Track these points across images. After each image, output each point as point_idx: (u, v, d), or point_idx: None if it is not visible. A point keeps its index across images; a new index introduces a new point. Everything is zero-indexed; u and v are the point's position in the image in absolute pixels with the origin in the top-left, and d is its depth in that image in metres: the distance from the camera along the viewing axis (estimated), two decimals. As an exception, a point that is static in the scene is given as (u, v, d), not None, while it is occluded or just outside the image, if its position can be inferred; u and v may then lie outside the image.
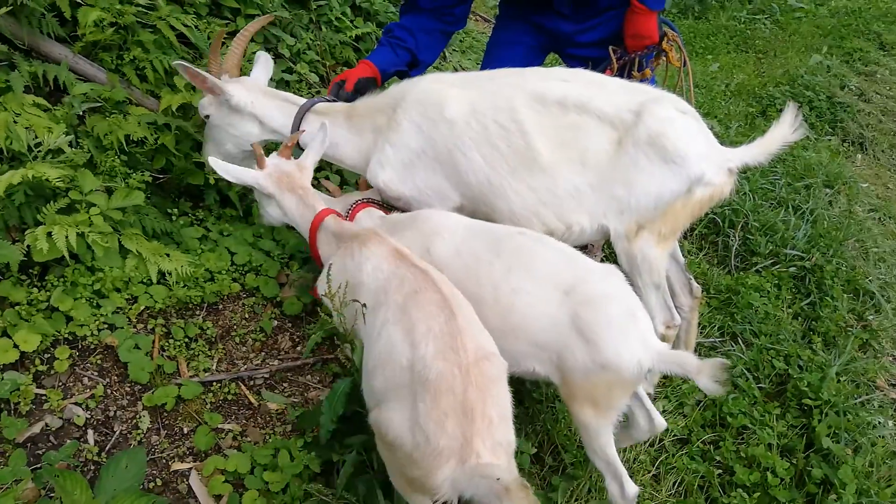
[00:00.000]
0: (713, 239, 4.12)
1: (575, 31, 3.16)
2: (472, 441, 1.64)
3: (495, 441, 1.69)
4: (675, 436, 2.80)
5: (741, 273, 3.76)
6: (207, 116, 2.76)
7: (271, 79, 3.32)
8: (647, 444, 2.74)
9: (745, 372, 3.06)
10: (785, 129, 2.43)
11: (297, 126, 2.70)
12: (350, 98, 2.87)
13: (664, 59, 3.05)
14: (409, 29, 3.10)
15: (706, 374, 1.93)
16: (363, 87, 2.93)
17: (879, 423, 2.95)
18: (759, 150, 2.45)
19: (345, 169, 3.14)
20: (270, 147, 2.84)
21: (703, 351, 3.24)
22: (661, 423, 2.37)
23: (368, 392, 1.95)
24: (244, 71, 2.88)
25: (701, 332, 3.33)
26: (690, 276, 2.91)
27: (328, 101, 2.81)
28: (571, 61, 3.26)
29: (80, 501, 1.70)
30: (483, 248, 2.25)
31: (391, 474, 1.93)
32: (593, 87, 2.51)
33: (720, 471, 2.66)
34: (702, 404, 2.94)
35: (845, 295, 3.63)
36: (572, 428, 2.68)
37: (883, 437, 2.85)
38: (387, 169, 2.63)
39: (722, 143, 2.53)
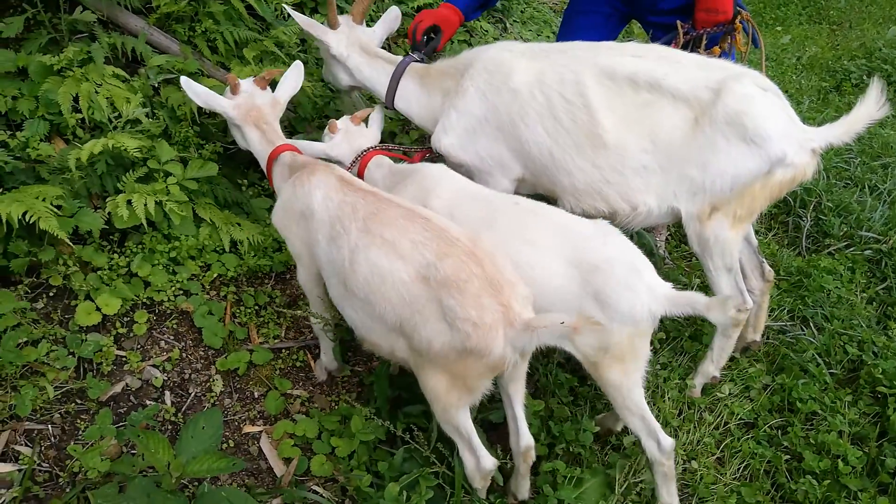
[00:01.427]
0: (783, 219, 3.98)
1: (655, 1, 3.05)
2: (510, 305, 1.80)
3: (523, 298, 1.85)
4: (740, 419, 2.75)
5: (813, 255, 3.63)
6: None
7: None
8: (712, 426, 2.70)
9: (816, 357, 2.97)
10: (871, 107, 2.31)
11: (394, 86, 2.73)
12: (418, 46, 2.90)
13: (731, 40, 2.92)
14: None
15: (715, 310, 2.00)
16: (431, 33, 2.96)
17: (958, 413, 2.83)
18: (843, 130, 2.34)
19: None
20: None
21: (770, 335, 3.16)
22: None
23: (364, 320, 2.03)
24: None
25: (769, 315, 3.25)
26: (763, 259, 2.83)
27: (418, 60, 2.81)
28: (654, 30, 3.16)
29: (162, 460, 1.77)
30: (476, 215, 2.22)
31: (440, 410, 1.96)
32: (668, 63, 2.42)
33: (788, 456, 2.60)
34: (769, 388, 2.88)
35: (924, 280, 3.47)
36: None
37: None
38: (450, 134, 2.63)
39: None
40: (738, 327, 2.67)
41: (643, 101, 2.38)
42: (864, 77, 5.80)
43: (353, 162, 2.54)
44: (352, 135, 2.58)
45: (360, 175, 2.50)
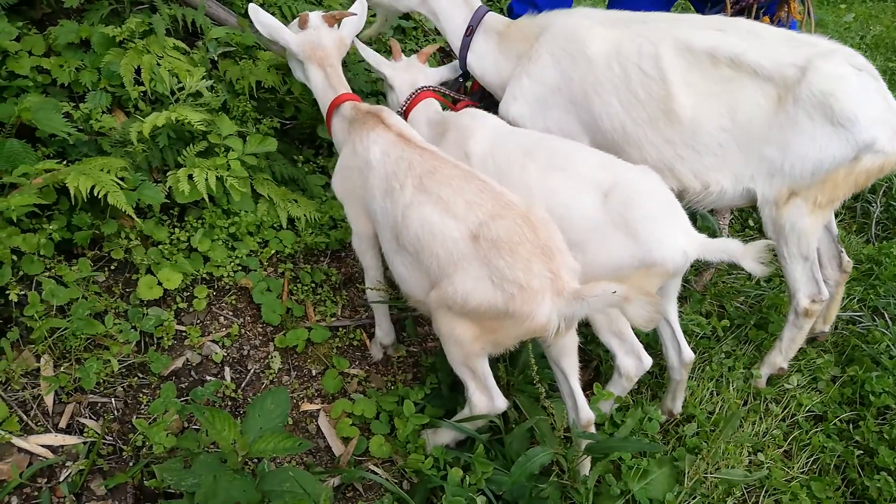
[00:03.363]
0: (850, 204, 3.81)
1: None
2: (559, 273, 1.80)
3: (571, 268, 1.86)
4: (809, 412, 2.64)
5: (883, 242, 3.47)
6: None
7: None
8: (780, 418, 2.61)
9: (891, 348, 2.84)
10: None
11: (472, 28, 2.65)
12: None
13: (786, 10, 2.77)
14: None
15: (751, 258, 1.99)
16: None
17: None
18: None
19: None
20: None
21: (840, 325, 3.03)
22: (689, 355, 2.36)
23: (412, 276, 2.05)
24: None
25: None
26: (842, 248, 2.69)
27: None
28: (701, 5, 3.03)
29: (227, 438, 1.75)
30: (518, 151, 2.25)
31: (460, 355, 1.97)
32: (751, 38, 2.30)
33: (860, 451, 2.50)
34: (839, 381, 2.76)
35: None
36: (703, 401, 2.57)
37: None
38: (520, 102, 2.57)
39: None
40: (812, 318, 2.55)
41: (723, 76, 2.27)
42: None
43: (407, 98, 2.57)
44: (413, 68, 2.64)
45: (408, 112, 2.54)
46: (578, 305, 1.77)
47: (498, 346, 1.93)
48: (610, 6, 3.34)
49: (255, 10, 2.35)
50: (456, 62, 2.76)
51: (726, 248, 2.03)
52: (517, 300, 1.78)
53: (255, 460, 2.08)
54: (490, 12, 2.69)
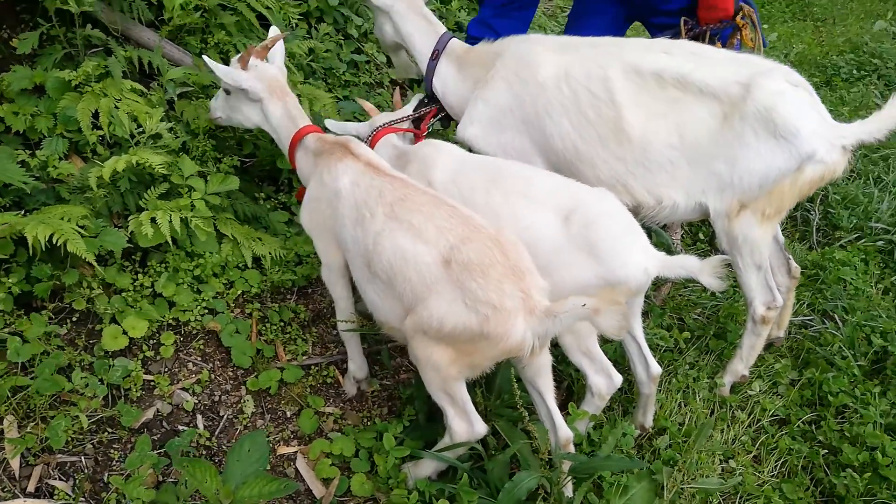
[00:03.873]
0: (792, 213, 3.99)
1: (660, 0, 3.05)
2: (530, 293, 1.84)
3: (541, 288, 1.89)
4: (773, 416, 2.74)
5: (825, 248, 3.64)
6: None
7: (341, 60, 3.35)
8: (746, 424, 2.69)
9: (842, 349, 2.97)
10: None
11: (438, 52, 2.75)
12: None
13: (739, 37, 2.92)
14: (487, 23, 3.06)
15: (707, 273, 2.07)
16: None
17: None
18: (876, 126, 2.31)
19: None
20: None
21: (793, 329, 3.16)
22: (656, 368, 2.43)
23: (385, 303, 2.06)
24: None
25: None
26: (789, 256, 2.82)
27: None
28: (656, 31, 3.16)
29: (210, 488, 1.71)
30: (480, 177, 2.31)
31: (438, 380, 1.98)
32: (696, 59, 2.42)
33: (824, 451, 2.60)
34: (798, 383, 2.88)
35: (938, 269, 3.50)
36: (672, 413, 2.64)
37: None
38: (475, 125, 2.66)
39: None
40: (768, 325, 2.66)
41: (670, 96, 2.37)
42: (854, 71, 5.87)
43: (366, 139, 2.60)
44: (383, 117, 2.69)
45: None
46: (551, 322, 1.81)
47: (475, 368, 1.95)
48: (566, 32, 3.45)
49: (210, 62, 2.32)
50: (414, 99, 2.85)
51: (684, 265, 2.11)
52: (491, 321, 1.81)
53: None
54: (453, 38, 2.79)
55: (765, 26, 7.35)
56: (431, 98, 2.86)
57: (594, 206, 2.18)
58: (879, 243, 3.65)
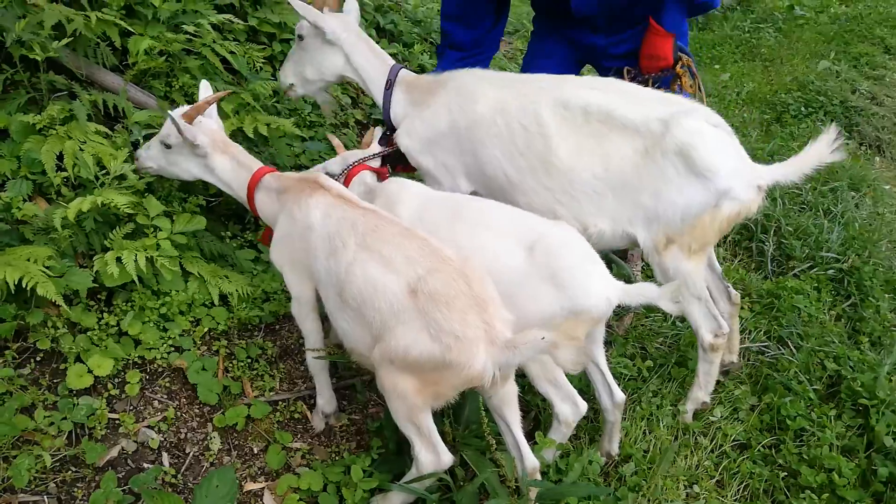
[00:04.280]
0: (747, 245, 4.14)
1: (608, 44, 3.20)
2: (492, 324, 1.90)
3: (505, 319, 1.94)
4: (734, 441, 2.80)
5: (779, 277, 3.77)
6: (301, 37, 2.93)
7: (306, 101, 3.46)
8: (709, 450, 2.75)
9: (798, 374, 3.06)
10: (822, 150, 2.42)
11: (391, 82, 2.88)
12: None
13: (679, 83, 3.06)
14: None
15: (666, 298, 2.15)
16: None
17: (938, 421, 2.95)
18: (792, 169, 2.45)
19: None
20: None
21: (750, 356, 3.26)
22: (620, 396, 2.50)
23: (355, 331, 2.11)
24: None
25: (747, 337, 3.35)
26: (728, 284, 2.91)
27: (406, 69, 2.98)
28: (608, 74, 3.30)
29: (179, 522, 1.71)
30: (443, 213, 2.39)
31: (404, 410, 2.02)
32: (623, 96, 2.56)
33: (784, 473, 2.66)
34: (757, 409, 2.95)
35: (886, 295, 3.64)
36: (637, 440, 2.69)
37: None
38: (412, 138, 2.82)
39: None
40: (719, 351, 2.74)
41: (596, 130, 2.50)
42: (802, 108, 6.14)
43: (340, 175, 2.69)
44: (349, 155, 2.79)
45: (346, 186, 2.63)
46: (511, 353, 1.86)
47: (439, 398, 1.99)
48: (523, 70, 3.58)
49: (176, 118, 2.35)
50: (377, 132, 2.97)
51: (643, 292, 2.19)
52: (454, 350, 1.86)
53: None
54: (402, 69, 2.93)
55: (716, 66, 7.67)
56: (390, 128, 2.97)
57: (556, 237, 2.26)
58: (830, 272, 3.79)
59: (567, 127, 2.54)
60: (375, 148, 2.86)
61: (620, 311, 3.42)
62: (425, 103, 2.80)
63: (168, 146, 2.43)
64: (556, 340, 1.81)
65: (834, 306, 3.63)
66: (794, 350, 3.25)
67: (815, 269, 3.81)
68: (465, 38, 3.16)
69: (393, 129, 2.95)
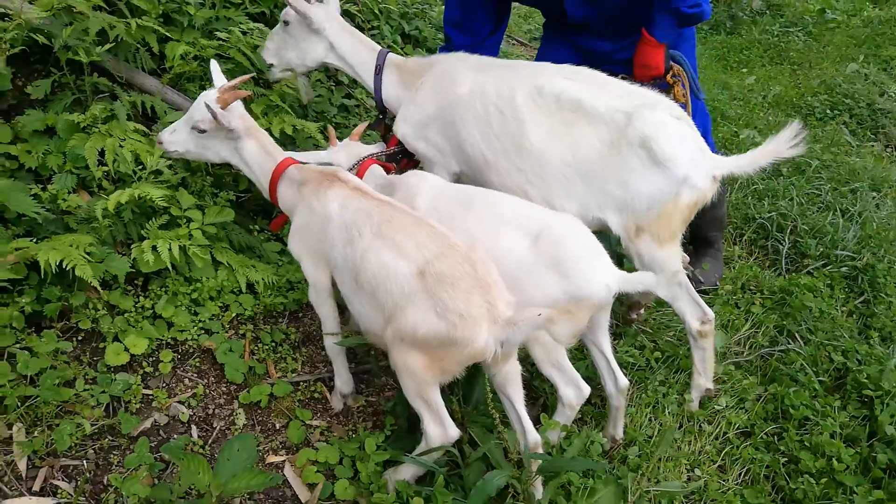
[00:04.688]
0: (762, 243, 4.20)
1: (612, 50, 3.27)
2: (495, 304, 2.03)
3: (507, 300, 2.07)
4: (738, 429, 2.88)
5: (793, 275, 3.83)
6: (286, 23, 3.07)
7: (332, 104, 3.62)
8: (712, 436, 2.83)
9: (805, 366, 3.13)
10: (780, 145, 2.51)
11: (380, 67, 3.03)
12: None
13: (672, 93, 3.12)
14: None
15: (663, 285, 2.31)
16: None
17: (943, 412, 2.98)
18: (747, 162, 2.56)
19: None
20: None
21: (758, 347, 3.33)
22: (624, 382, 2.60)
23: (369, 313, 2.26)
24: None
25: (757, 331, 3.43)
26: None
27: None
28: None
29: (203, 480, 1.88)
30: (457, 204, 2.52)
31: (413, 385, 2.16)
32: (594, 87, 2.69)
33: (785, 459, 2.73)
34: (762, 398, 3.03)
35: (899, 292, 3.67)
36: (642, 426, 2.79)
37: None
38: (407, 124, 2.98)
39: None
40: (708, 337, 2.81)
41: (566, 118, 2.64)
42: (828, 111, 6.15)
43: (351, 168, 2.81)
44: (351, 147, 2.93)
45: None
46: (511, 330, 2.00)
47: (446, 373, 2.13)
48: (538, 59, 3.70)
49: (216, 111, 2.45)
50: (380, 142, 3.15)
51: (642, 280, 2.32)
52: (458, 328, 2.00)
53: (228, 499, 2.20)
54: (389, 53, 3.10)
55: (743, 70, 7.68)
56: (382, 111, 3.15)
57: (560, 227, 2.39)
58: (844, 269, 3.83)
59: (540, 113, 2.68)
60: (379, 144, 3.04)
61: (632, 304, 3.52)
62: (414, 86, 2.97)
63: (202, 131, 2.53)
64: (551, 316, 1.95)
65: (846, 303, 3.67)
66: (801, 343, 3.31)
67: (829, 267, 3.86)
68: (465, 43, 3.28)
69: (384, 112, 3.14)
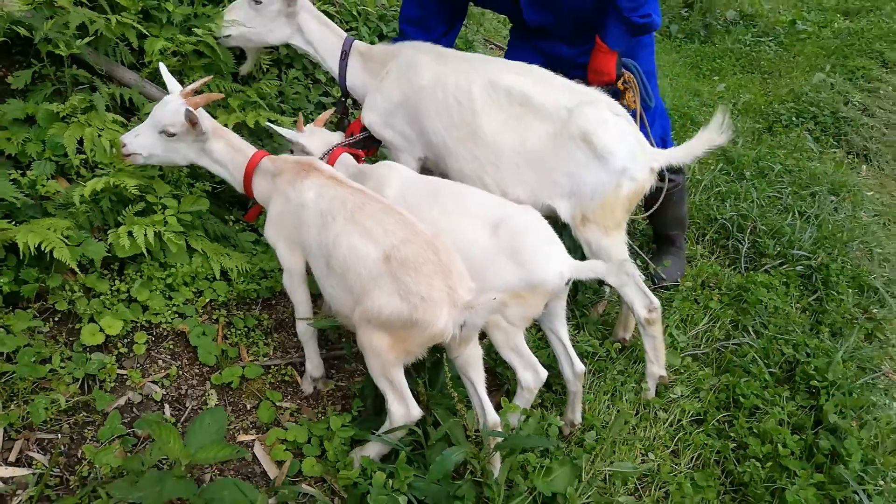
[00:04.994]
0: (723, 243, 4.36)
1: (573, 55, 3.37)
2: (455, 289, 2.16)
3: (468, 286, 2.20)
4: (692, 416, 3.02)
5: (751, 273, 3.99)
6: (258, 2, 3.11)
7: (309, 101, 3.73)
8: (667, 423, 2.97)
9: (756, 358, 3.28)
10: (712, 133, 2.71)
11: (346, 53, 3.15)
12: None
13: (623, 100, 3.21)
14: None
15: (613, 273, 2.45)
16: None
17: (885, 403, 3.15)
18: (683, 153, 2.75)
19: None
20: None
21: (714, 341, 3.47)
22: (580, 367, 2.73)
23: (339, 294, 2.37)
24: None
25: (714, 325, 3.58)
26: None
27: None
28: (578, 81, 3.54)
29: (174, 449, 1.97)
30: (424, 194, 2.65)
31: (378, 365, 2.28)
32: (540, 83, 2.85)
33: (734, 445, 2.87)
34: (715, 388, 3.17)
35: (850, 290, 3.84)
36: (600, 413, 2.92)
37: (889, 414, 3.04)
38: (374, 112, 3.10)
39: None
40: (656, 325, 2.97)
41: (515, 112, 2.81)
42: (793, 118, 6.35)
43: (324, 156, 2.90)
44: (318, 133, 3.01)
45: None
46: (469, 313, 2.12)
47: (409, 354, 2.24)
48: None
49: (193, 110, 2.52)
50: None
51: (593, 268, 2.47)
52: (419, 310, 2.12)
53: (198, 475, 2.29)
54: (355, 40, 3.21)
55: (715, 78, 7.89)
56: (345, 94, 3.28)
57: (518, 218, 2.53)
58: (800, 268, 4.00)
59: (492, 105, 2.84)
60: (340, 133, 3.14)
61: (595, 299, 3.66)
62: (380, 75, 3.09)
63: (171, 134, 2.55)
64: (504, 300, 2.07)
65: (800, 300, 3.83)
66: (755, 336, 3.47)
67: (785, 266, 4.02)
68: (420, 40, 3.40)
69: (348, 95, 3.26)
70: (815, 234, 4.27)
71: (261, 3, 3.14)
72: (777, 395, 3.07)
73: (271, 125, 2.92)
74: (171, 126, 2.56)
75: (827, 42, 8.57)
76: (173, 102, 2.57)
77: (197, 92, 2.66)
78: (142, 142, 2.58)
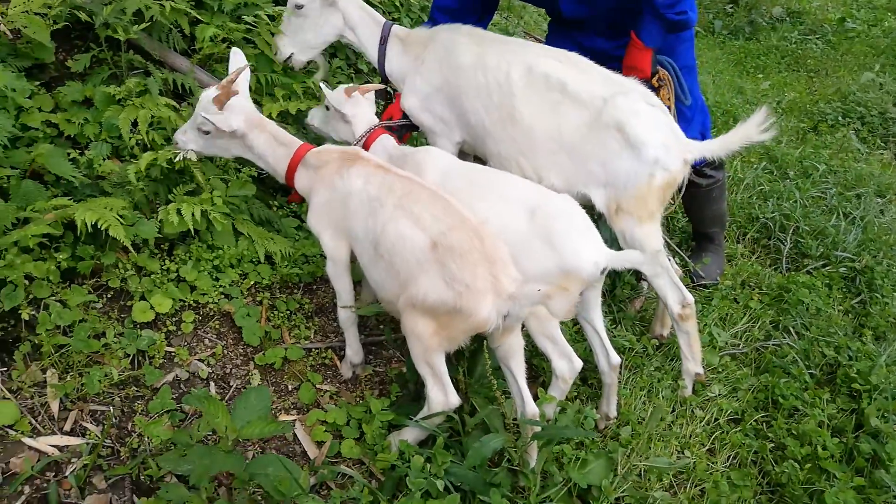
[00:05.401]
0: (765, 242, 4.31)
1: (610, 48, 3.34)
2: (499, 278, 2.17)
3: (512, 276, 2.21)
4: (729, 415, 3.00)
5: (793, 273, 3.93)
6: (299, 6, 3.16)
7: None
8: (703, 421, 2.95)
9: (797, 359, 3.24)
10: (751, 129, 2.63)
11: (385, 38, 3.17)
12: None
13: (658, 97, 3.22)
14: None
15: (648, 264, 2.46)
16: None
17: (930, 408, 3.09)
18: (718, 146, 2.71)
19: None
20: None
21: (753, 340, 3.44)
22: (616, 358, 2.73)
23: (385, 280, 2.40)
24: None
25: (753, 325, 3.54)
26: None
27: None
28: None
29: (221, 423, 2.03)
30: (462, 179, 2.66)
31: (421, 350, 2.30)
32: (578, 71, 2.85)
33: (772, 445, 2.85)
34: (754, 388, 3.14)
35: (895, 293, 3.77)
36: (636, 408, 2.92)
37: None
38: (413, 95, 3.12)
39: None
40: (690, 321, 2.94)
41: (553, 98, 2.80)
42: (840, 118, 6.22)
43: (363, 134, 2.89)
44: (363, 103, 2.96)
45: (366, 147, 2.85)
46: (512, 303, 2.14)
47: (452, 341, 2.27)
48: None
49: (203, 108, 2.54)
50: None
51: (628, 258, 2.48)
52: (464, 297, 2.15)
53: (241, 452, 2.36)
54: (394, 24, 3.23)
55: (759, 75, 7.76)
56: (384, 80, 3.30)
57: (555, 204, 2.54)
58: (843, 270, 3.93)
59: (530, 89, 2.84)
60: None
61: (633, 295, 3.65)
62: (419, 58, 3.10)
63: (206, 132, 2.60)
64: (549, 292, 2.08)
65: (843, 302, 3.77)
66: (795, 337, 3.42)
67: (828, 267, 3.96)
68: None
69: (387, 81, 3.27)
70: (859, 236, 4.19)
71: (302, 6, 3.18)
72: (817, 397, 3.03)
73: (323, 86, 2.91)
74: (203, 125, 2.59)
75: (876, 41, 8.36)
76: (205, 104, 2.57)
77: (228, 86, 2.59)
78: (188, 137, 2.67)
